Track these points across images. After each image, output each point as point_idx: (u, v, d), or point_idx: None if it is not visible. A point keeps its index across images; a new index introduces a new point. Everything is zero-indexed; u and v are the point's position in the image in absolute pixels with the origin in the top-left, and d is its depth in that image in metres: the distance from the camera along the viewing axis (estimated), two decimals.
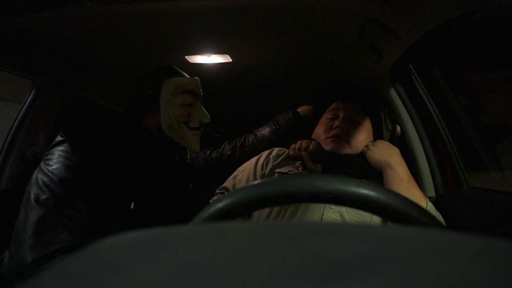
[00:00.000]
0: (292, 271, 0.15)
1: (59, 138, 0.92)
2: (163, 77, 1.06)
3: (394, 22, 0.88)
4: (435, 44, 0.96)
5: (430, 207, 0.93)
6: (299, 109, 1.43)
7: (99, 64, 1.34)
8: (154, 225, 0.23)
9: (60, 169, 0.83)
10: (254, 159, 1.15)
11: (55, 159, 0.86)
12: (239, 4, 0.90)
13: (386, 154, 0.97)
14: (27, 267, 0.72)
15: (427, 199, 0.93)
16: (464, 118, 1.08)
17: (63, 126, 0.99)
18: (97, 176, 0.88)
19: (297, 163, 1.05)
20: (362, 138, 1.03)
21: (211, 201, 1.06)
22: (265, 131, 1.42)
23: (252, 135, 1.41)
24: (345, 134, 1.02)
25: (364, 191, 0.37)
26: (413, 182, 0.94)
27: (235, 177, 1.14)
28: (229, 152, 1.39)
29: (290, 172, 1.03)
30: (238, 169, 1.17)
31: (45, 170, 0.84)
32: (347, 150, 1.01)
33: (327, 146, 1.02)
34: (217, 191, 1.15)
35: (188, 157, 1.35)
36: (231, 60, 1.31)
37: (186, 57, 1.28)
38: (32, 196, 0.79)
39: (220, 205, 0.40)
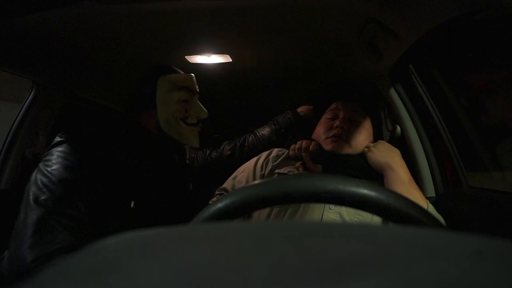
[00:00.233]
0: (292, 271, 0.15)
1: (58, 138, 0.92)
2: (158, 75, 1.06)
3: (394, 22, 0.88)
4: (435, 44, 0.96)
5: (430, 209, 0.93)
6: (299, 109, 1.43)
7: (99, 64, 1.34)
8: (154, 225, 0.23)
9: (59, 169, 0.84)
10: (253, 160, 1.15)
11: (54, 160, 0.86)
12: (239, 4, 0.90)
13: (387, 155, 0.96)
14: (26, 267, 0.72)
15: (428, 201, 0.93)
16: (464, 118, 1.08)
17: (63, 126, 0.99)
18: (97, 176, 0.88)
19: (298, 164, 1.05)
20: (362, 138, 1.03)
21: (210, 202, 1.06)
22: (265, 131, 1.42)
23: (252, 135, 1.41)
24: (345, 134, 1.02)
25: (364, 191, 0.37)
26: (414, 185, 0.93)
27: (234, 178, 1.14)
28: (228, 152, 1.39)
29: (290, 173, 1.03)
30: (238, 170, 1.17)
31: (44, 170, 0.84)
32: (347, 150, 1.01)
33: (327, 146, 1.02)
34: (217, 192, 1.15)
35: (188, 157, 1.35)
36: (231, 60, 1.31)
37: (186, 57, 1.28)
38: (31, 197, 0.80)
39: (220, 205, 0.40)
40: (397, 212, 0.37)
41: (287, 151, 1.13)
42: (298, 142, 1.10)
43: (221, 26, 1.02)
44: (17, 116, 1.26)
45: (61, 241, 0.76)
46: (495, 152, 1.04)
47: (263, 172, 1.08)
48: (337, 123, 1.03)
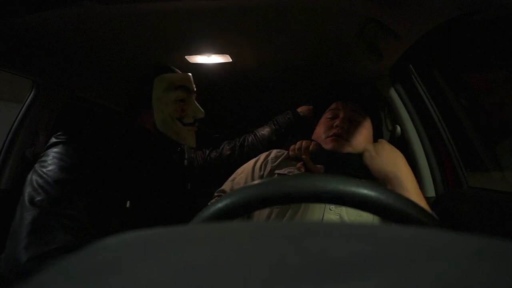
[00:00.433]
0: (292, 271, 0.15)
1: (53, 139, 0.92)
2: (155, 74, 1.06)
3: (394, 22, 0.88)
4: (435, 44, 0.96)
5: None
6: (299, 109, 1.43)
7: (99, 64, 1.34)
8: (152, 225, 0.23)
9: (54, 170, 0.84)
10: (252, 162, 1.14)
11: (50, 161, 0.86)
12: (239, 4, 0.90)
13: (392, 162, 0.86)
14: (21, 267, 0.72)
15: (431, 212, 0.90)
16: (464, 118, 1.08)
17: (63, 126, 0.99)
18: (94, 176, 0.88)
19: (299, 164, 1.05)
20: (362, 137, 1.03)
21: (209, 204, 1.05)
22: (265, 131, 1.42)
23: (252, 135, 1.41)
24: (346, 133, 1.01)
25: (364, 191, 0.37)
26: (420, 196, 0.84)
27: (233, 180, 1.14)
28: (228, 152, 1.39)
29: (290, 173, 1.03)
30: (236, 171, 1.17)
31: (40, 171, 0.85)
32: (348, 149, 1.01)
33: (328, 145, 1.02)
34: (215, 194, 1.15)
35: (187, 156, 1.35)
36: (231, 60, 1.31)
37: (186, 57, 1.28)
38: (27, 198, 0.80)
39: (220, 205, 0.40)
40: (397, 212, 0.37)
41: (286, 152, 1.13)
42: (298, 143, 1.10)
43: (221, 26, 1.02)
44: (17, 116, 1.26)
45: (57, 241, 0.76)
46: (495, 152, 1.03)
47: (262, 173, 1.08)
48: (337, 122, 1.03)
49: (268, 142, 1.40)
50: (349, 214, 0.91)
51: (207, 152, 1.42)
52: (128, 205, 0.95)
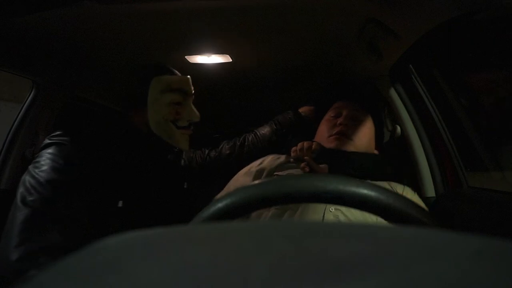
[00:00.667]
0: (292, 271, 0.15)
1: (47, 141, 0.93)
2: (152, 75, 1.05)
3: (394, 22, 0.88)
4: (435, 44, 0.96)
5: None
6: (301, 110, 1.42)
7: (99, 64, 1.34)
8: (148, 224, 0.23)
9: (47, 171, 0.85)
10: (246, 168, 1.13)
11: (43, 162, 0.87)
12: (239, 4, 0.90)
13: None
14: (12, 266, 0.73)
15: None
16: (464, 118, 1.08)
17: (62, 126, 0.99)
18: (88, 177, 0.89)
19: (303, 164, 1.04)
20: (365, 137, 1.03)
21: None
22: (265, 130, 1.41)
23: (252, 135, 1.41)
24: (349, 131, 1.01)
25: (364, 191, 0.37)
26: None
27: (229, 187, 1.13)
28: (228, 151, 1.38)
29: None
30: (233, 178, 1.16)
31: (33, 172, 0.85)
32: (351, 148, 1.01)
33: (331, 144, 1.01)
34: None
35: (185, 156, 1.35)
36: (231, 60, 1.31)
37: (186, 57, 1.28)
38: (19, 198, 0.81)
39: (220, 205, 0.40)
40: (397, 212, 0.37)
41: (283, 156, 1.12)
42: (299, 144, 1.09)
43: (221, 26, 1.02)
44: (17, 116, 1.26)
45: (49, 241, 0.77)
46: (495, 152, 1.04)
47: (260, 176, 1.08)
48: (340, 120, 1.03)
49: (268, 142, 1.39)
50: (349, 216, 0.90)
51: (207, 151, 1.42)
52: (120, 204, 0.95)
